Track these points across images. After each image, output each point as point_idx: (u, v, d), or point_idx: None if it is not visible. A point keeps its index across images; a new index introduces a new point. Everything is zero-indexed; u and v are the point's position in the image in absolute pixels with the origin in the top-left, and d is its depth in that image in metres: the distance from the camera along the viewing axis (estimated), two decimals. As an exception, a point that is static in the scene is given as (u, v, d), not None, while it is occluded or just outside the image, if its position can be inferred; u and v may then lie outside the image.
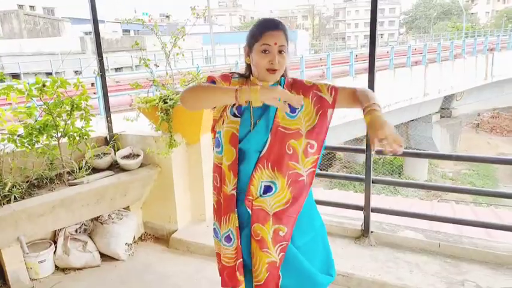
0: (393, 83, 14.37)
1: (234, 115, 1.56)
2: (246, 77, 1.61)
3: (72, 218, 2.82)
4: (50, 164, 2.83)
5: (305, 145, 1.55)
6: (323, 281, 1.66)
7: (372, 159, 2.82)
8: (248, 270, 1.63)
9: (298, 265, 1.62)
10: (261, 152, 1.54)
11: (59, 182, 2.80)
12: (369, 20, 2.58)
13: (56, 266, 2.87)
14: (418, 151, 3.70)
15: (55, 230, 2.92)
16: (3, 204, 2.43)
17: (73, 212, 2.75)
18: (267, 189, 1.56)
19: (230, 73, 1.65)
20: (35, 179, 2.76)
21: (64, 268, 2.87)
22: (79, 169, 2.88)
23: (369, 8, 2.59)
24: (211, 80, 1.60)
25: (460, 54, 18.85)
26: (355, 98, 1.54)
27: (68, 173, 2.85)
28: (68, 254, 2.83)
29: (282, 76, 1.58)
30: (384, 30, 61.08)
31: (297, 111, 1.54)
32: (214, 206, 1.74)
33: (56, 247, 2.86)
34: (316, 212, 1.74)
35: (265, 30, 1.50)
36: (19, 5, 32.01)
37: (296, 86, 1.59)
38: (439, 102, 19.31)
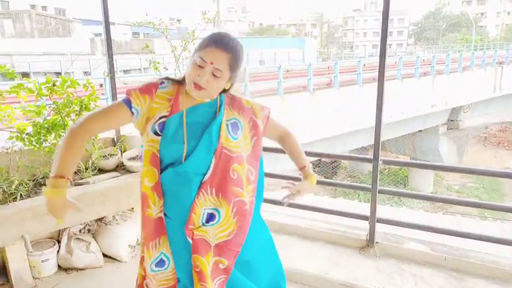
0: (401, 93, 14.34)
1: (156, 133, 1.40)
2: (179, 82, 1.46)
3: (76, 218, 2.82)
4: (57, 163, 2.84)
5: (247, 171, 1.47)
6: None
7: (379, 169, 2.80)
8: None
9: None
10: (204, 176, 1.40)
11: (65, 182, 2.81)
12: (377, 30, 2.60)
13: (58, 266, 2.87)
14: (424, 162, 3.67)
15: (59, 230, 2.92)
16: (9, 201, 2.44)
17: (78, 212, 2.74)
18: (210, 218, 1.43)
19: (162, 80, 1.48)
20: (42, 177, 2.77)
21: (67, 268, 2.87)
22: (86, 169, 2.89)
23: (378, 17, 2.60)
24: (127, 96, 1.45)
25: (468, 66, 18.79)
26: (286, 141, 1.66)
27: (74, 172, 2.86)
28: (71, 254, 2.83)
29: (222, 92, 1.45)
30: (392, 40, 61.05)
31: (238, 133, 1.45)
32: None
33: (59, 247, 2.86)
34: (264, 225, 1.64)
35: (211, 44, 1.34)
36: (31, 5, 32.45)
37: (235, 104, 1.49)
38: (446, 114, 19.22)
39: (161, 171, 1.40)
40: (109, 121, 1.46)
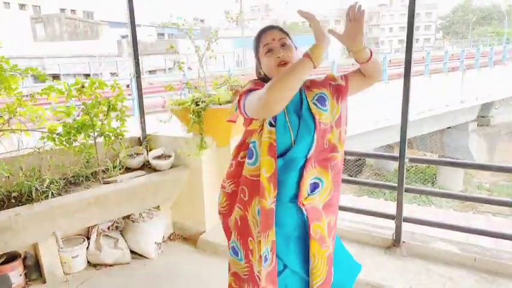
0: (429, 89, 13.96)
1: (270, 124, 1.52)
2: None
3: (105, 216, 2.90)
4: (87, 162, 2.93)
5: (338, 134, 1.58)
6: (357, 267, 1.75)
7: (405, 167, 2.74)
8: (303, 280, 1.60)
9: (341, 254, 1.70)
10: (308, 153, 1.52)
11: (94, 180, 2.89)
12: (404, 25, 2.53)
13: (88, 262, 2.96)
14: (452, 160, 3.56)
15: (89, 227, 3.01)
16: (42, 199, 2.53)
17: (106, 210, 2.83)
18: (315, 187, 1.56)
19: (258, 79, 1.64)
20: (72, 176, 2.86)
21: (96, 264, 2.95)
22: (113, 168, 2.96)
23: (404, 12, 2.55)
24: (254, 90, 1.52)
25: (500, 60, 18.08)
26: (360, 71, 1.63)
27: (102, 171, 2.94)
28: (100, 251, 2.91)
29: None
30: (420, 35, 59.49)
31: (326, 103, 1.56)
32: (237, 221, 1.68)
33: (89, 243, 2.95)
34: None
35: (260, 34, 1.59)
36: (61, 9, 33.49)
37: (314, 83, 1.62)
38: (476, 110, 18.57)
39: (286, 160, 1.53)
40: None
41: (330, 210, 1.61)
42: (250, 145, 1.58)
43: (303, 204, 1.54)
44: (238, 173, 1.65)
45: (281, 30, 1.59)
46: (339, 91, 1.60)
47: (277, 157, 1.51)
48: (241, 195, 1.63)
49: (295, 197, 1.54)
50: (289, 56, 1.53)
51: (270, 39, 1.55)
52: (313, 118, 1.53)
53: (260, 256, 1.54)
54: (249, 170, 1.58)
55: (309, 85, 1.61)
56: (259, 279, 1.55)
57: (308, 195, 1.55)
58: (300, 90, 1.57)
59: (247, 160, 1.59)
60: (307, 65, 1.32)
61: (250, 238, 1.63)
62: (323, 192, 1.58)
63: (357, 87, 1.64)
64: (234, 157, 1.69)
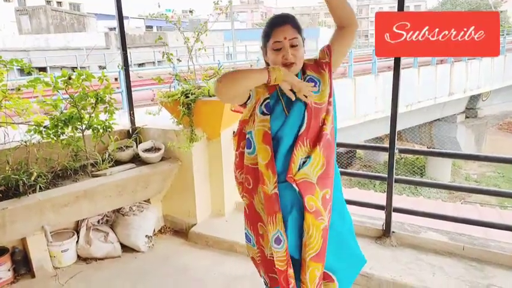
0: (417, 82, 14.05)
1: (263, 113, 1.58)
2: None
3: (94, 209, 2.87)
4: (75, 155, 2.89)
5: (326, 106, 1.61)
6: (360, 256, 1.77)
7: (395, 158, 2.76)
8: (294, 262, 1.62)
9: (348, 243, 1.71)
10: (299, 130, 1.55)
11: (82, 173, 2.86)
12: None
13: (78, 256, 2.93)
14: (440, 150, 3.61)
15: (78, 220, 2.98)
16: (29, 193, 2.49)
17: (96, 203, 2.80)
18: (303, 163, 1.57)
19: None
20: (60, 169, 2.82)
21: (86, 258, 2.93)
22: (102, 161, 2.92)
23: (393, 5, 2.54)
24: None
25: (487, 53, 18.25)
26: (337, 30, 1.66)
27: (91, 164, 2.90)
28: (90, 244, 2.89)
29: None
30: (408, 27, 59.63)
31: (318, 86, 1.59)
32: (245, 209, 1.75)
33: (78, 237, 2.92)
34: (346, 208, 1.77)
35: (273, 27, 1.56)
36: (47, 1, 32.85)
37: (310, 67, 1.63)
38: (464, 102, 18.78)
39: (274, 138, 1.57)
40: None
41: (325, 183, 1.59)
42: (247, 135, 1.63)
43: (294, 180, 1.54)
44: (243, 162, 1.71)
45: (294, 26, 1.56)
46: (328, 66, 1.63)
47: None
48: (246, 184, 1.68)
49: (286, 174, 1.56)
50: (297, 57, 1.55)
51: (281, 37, 1.53)
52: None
53: (270, 239, 1.61)
54: (248, 159, 1.64)
55: (305, 69, 1.64)
56: (273, 261, 1.62)
57: (298, 170, 1.56)
58: (297, 74, 1.61)
59: (246, 150, 1.65)
60: (263, 79, 1.49)
61: (260, 223, 1.69)
62: (315, 165, 1.57)
63: (341, 45, 1.66)
64: (236, 148, 1.73)
